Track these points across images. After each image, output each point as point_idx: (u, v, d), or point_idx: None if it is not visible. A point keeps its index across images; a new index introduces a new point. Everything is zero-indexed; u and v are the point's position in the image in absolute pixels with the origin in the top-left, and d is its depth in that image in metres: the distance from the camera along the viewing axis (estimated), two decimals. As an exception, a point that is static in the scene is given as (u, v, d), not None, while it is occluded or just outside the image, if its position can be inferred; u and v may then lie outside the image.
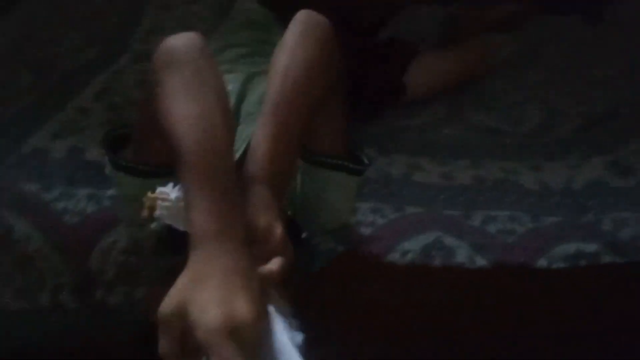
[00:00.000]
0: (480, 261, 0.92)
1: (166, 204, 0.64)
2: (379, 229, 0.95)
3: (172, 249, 0.70)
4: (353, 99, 1.06)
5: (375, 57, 1.17)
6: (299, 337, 0.56)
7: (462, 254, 0.93)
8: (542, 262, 0.92)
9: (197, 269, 0.54)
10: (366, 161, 0.87)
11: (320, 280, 0.89)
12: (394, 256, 0.92)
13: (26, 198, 0.93)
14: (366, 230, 0.94)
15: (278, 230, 0.63)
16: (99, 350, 0.95)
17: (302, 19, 0.75)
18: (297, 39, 0.74)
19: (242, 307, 0.52)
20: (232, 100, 0.89)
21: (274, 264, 0.58)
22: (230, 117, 0.65)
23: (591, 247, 0.92)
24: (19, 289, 0.93)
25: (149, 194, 0.65)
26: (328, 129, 0.83)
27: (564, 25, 1.41)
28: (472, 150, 1.14)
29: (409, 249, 0.93)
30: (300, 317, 0.58)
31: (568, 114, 1.22)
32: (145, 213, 0.65)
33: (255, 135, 0.70)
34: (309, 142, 0.80)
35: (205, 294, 0.52)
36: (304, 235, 0.86)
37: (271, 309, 0.56)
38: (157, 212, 0.64)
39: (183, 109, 0.61)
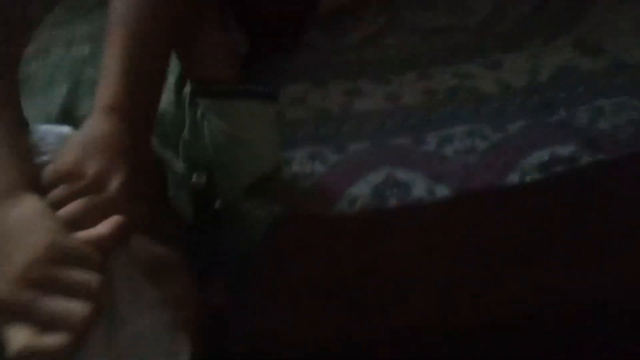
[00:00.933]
0: (441, 190, 0.80)
1: None
2: (320, 178, 0.81)
3: None
4: (265, 24, 0.94)
5: None
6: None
7: (419, 187, 0.80)
8: (512, 178, 0.79)
9: None
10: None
11: (261, 256, 0.77)
12: (342, 206, 0.80)
13: None
14: (305, 183, 0.81)
15: (115, 180, 0.48)
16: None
17: None
18: None
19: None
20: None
21: (104, 226, 0.45)
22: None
23: (567, 150, 0.79)
24: None
25: None
26: (214, 58, 0.75)
27: None
28: (420, 58, 0.98)
29: (357, 194, 0.80)
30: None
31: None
32: None
33: (103, 60, 0.58)
34: (199, 76, 0.72)
35: None
36: (217, 205, 0.73)
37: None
38: None
39: None
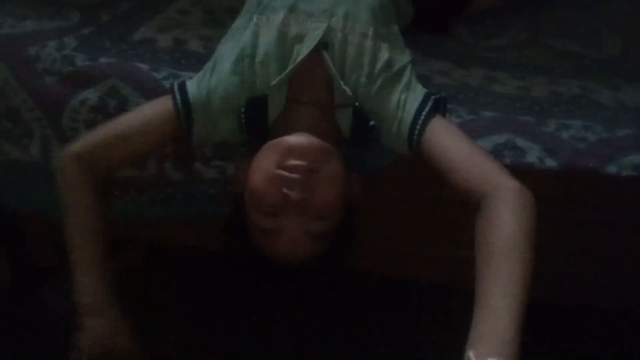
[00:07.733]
0: (550, 163, 0.97)
1: None
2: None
3: None
4: (418, 9, 1.15)
5: None
6: None
7: (533, 155, 0.97)
8: (611, 169, 0.96)
9: None
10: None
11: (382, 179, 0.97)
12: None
13: (139, 75, 1.03)
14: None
15: None
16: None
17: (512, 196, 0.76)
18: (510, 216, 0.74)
19: None
20: None
21: None
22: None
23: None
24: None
25: None
26: None
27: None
28: (551, 70, 1.16)
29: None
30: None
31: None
32: None
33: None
34: None
35: None
36: (371, 123, 0.92)
37: None
38: None
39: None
